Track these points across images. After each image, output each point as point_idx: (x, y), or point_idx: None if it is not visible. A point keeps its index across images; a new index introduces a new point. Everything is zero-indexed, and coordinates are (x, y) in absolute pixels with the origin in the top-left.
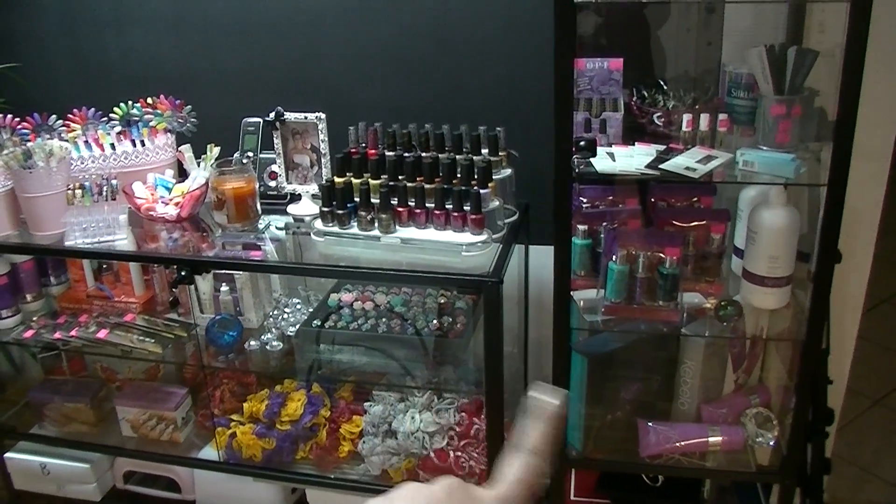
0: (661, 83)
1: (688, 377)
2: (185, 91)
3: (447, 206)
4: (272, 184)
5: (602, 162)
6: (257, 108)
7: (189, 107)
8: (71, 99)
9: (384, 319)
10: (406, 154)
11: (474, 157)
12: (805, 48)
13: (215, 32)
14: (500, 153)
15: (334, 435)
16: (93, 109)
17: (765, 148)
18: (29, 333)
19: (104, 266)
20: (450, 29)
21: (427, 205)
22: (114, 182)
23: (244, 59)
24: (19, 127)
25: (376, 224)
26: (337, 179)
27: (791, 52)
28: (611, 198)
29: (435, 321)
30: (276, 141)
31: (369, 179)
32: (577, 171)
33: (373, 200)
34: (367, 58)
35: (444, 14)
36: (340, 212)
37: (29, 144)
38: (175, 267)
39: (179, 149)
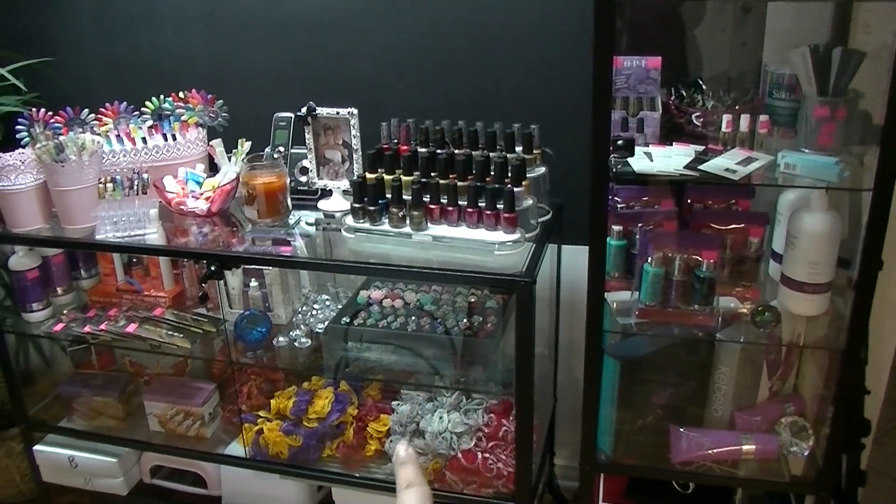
0: (700, 82)
1: (722, 383)
2: (217, 86)
3: (480, 204)
4: (303, 179)
5: (639, 162)
6: (289, 104)
7: (220, 101)
8: (103, 94)
9: (413, 318)
10: (438, 151)
11: (508, 155)
12: (851, 49)
13: (247, 29)
14: (534, 151)
15: (361, 433)
16: (124, 104)
17: (807, 151)
18: (59, 326)
19: (134, 260)
20: (483, 25)
21: (459, 202)
22: (144, 176)
23: (276, 55)
24: (52, 121)
25: (408, 221)
26: (368, 175)
27: (836, 53)
28: (646, 198)
29: (465, 320)
30: (307, 136)
31: (401, 176)
32: (614, 170)
33: (404, 197)
34: (399, 54)
35: (477, 10)
36: (371, 208)
37: (61, 138)
38: (205, 262)
39: (210, 143)
